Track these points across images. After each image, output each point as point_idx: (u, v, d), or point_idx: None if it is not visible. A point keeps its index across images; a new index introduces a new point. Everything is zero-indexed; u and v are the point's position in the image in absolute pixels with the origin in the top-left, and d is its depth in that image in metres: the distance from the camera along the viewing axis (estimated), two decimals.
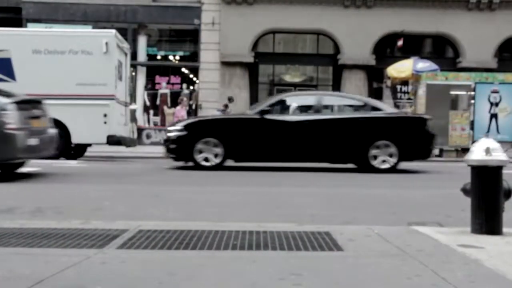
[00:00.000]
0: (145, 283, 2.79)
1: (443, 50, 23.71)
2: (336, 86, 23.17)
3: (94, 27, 21.03)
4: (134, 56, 21.42)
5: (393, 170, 10.98)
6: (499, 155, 4.00)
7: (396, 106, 23.51)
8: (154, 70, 23.72)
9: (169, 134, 11.38)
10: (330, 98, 12.27)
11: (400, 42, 22.30)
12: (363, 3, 22.43)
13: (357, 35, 22.08)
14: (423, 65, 18.16)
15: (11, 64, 14.16)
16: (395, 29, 22.24)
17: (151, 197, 6.97)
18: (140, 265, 3.13)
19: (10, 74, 14.17)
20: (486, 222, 4.01)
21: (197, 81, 23.59)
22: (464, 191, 4.19)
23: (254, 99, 22.41)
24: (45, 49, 14.22)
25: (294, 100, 11.99)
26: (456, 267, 3.13)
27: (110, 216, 5.15)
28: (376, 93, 23.63)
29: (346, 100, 12.36)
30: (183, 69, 24.33)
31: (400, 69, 18.46)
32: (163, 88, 23.30)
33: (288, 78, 24.14)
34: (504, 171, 4.07)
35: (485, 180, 4.01)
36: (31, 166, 10.71)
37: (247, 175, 10.33)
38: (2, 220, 4.71)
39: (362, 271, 3.06)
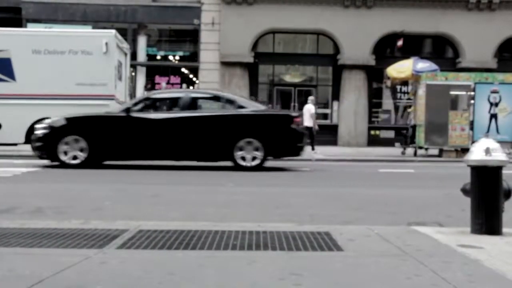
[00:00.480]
0: (145, 283, 2.79)
1: (443, 50, 23.71)
2: (336, 86, 23.16)
3: (94, 27, 21.03)
4: (134, 56, 21.42)
5: (260, 167, 10.84)
6: (498, 155, 4.01)
7: (396, 106, 23.54)
8: (154, 70, 23.72)
9: (36, 132, 11.23)
10: (197, 96, 12.03)
11: (400, 42, 22.30)
12: (363, 3, 22.42)
13: (357, 35, 22.08)
14: (423, 65, 18.14)
15: (11, 64, 14.17)
16: (395, 29, 22.24)
17: (151, 197, 6.97)
18: (140, 265, 3.13)
19: (10, 74, 14.18)
20: (486, 222, 4.01)
21: (197, 81, 23.59)
22: (464, 191, 4.20)
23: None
24: (45, 49, 14.22)
25: (161, 97, 11.97)
26: (456, 267, 3.13)
27: (110, 216, 5.15)
28: (376, 93, 23.64)
29: (213, 98, 12.14)
30: (183, 69, 24.33)
31: (400, 69, 18.44)
32: (163, 88, 23.30)
33: (288, 78, 24.13)
34: (504, 171, 4.07)
35: (485, 180, 4.01)
36: (31, 166, 10.71)
37: (240, 175, 10.33)
38: (2, 220, 4.71)
39: (362, 271, 3.06)
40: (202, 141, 11.01)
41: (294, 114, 11.88)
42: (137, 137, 10.99)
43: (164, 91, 11.63)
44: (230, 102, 11.58)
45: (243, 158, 10.91)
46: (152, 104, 11.59)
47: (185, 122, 11.05)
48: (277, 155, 11.49)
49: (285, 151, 11.40)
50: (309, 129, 18.45)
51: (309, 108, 18.29)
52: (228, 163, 11.09)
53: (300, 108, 22.99)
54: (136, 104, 11.39)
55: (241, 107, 11.33)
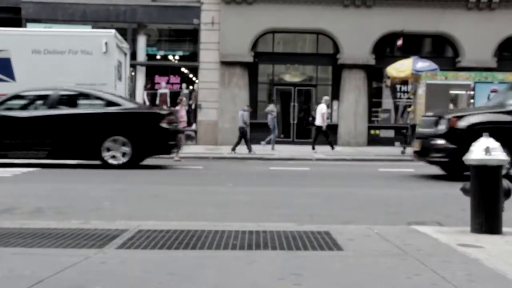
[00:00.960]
0: (145, 283, 2.79)
1: (442, 50, 23.69)
2: (336, 85, 23.14)
3: (93, 27, 21.00)
4: (133, 56, 21.40)
5: (129, 165, 10.73)
6: (498, 154, 4.00)
7: (396, 105, 23.53)
8: (154, 70, 23.69)
9: None
10: (66, 93, 11.76)
11: (399, 42, 22.27)
12: (362, 2, 22.41)
13: (356, 35, 22.05)
14: (423, 64, 18.12)
15: (11, 64, 14.16)
16: (394, 28, 22.22)
17: (151, 197, 6.97)
18: (140, 265, 3.13)
19: (10, 74, 14.16)
20: (486, 221, 4.01)
21: (197, 81, 23.57)
22: (464, 190, 4.19)
23: (253, 99, 22.40)
24: (44, 49, 14.21)
25: (29, 95, 11.75)
26: (456, 266, 3.13)
27: (110, 216, 5.16)
28: (376, 93, 23.63)
29: (82, 95, 11.90)
30: (183, 69, 24.30)
31: (400, 68, 18.42)
32: (163, 88, 23.27)
33: (287, 78, 24.11)
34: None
35: (484, 179, 4.01)
36: (30, 167, 10.71)
37: (240, 175, 10.32)
38: (2, 220, 4.71)
39: (362, 271, 3.06)
40: (68, 140, 10.88)
41: (164, 112, 11.79)
42: (2, 135, 10.86)
43: (32, 89, 11.51)
44: (100, 99, 11.43)
45: (111, 157, 10.80)
46: (20, 102, 11.43)
47: (51, 120, 10.92)
48: (147, 153, 11.37)
49: (155, 149, 11.28)
50: (318, 128, 18.50)
51: (321, 108, 18.38)
52: (97, 162, 10.93)
53: (301, 108, 23.12)
54: (3, 102, 11.19)
55: (111, 104, 11.19)
